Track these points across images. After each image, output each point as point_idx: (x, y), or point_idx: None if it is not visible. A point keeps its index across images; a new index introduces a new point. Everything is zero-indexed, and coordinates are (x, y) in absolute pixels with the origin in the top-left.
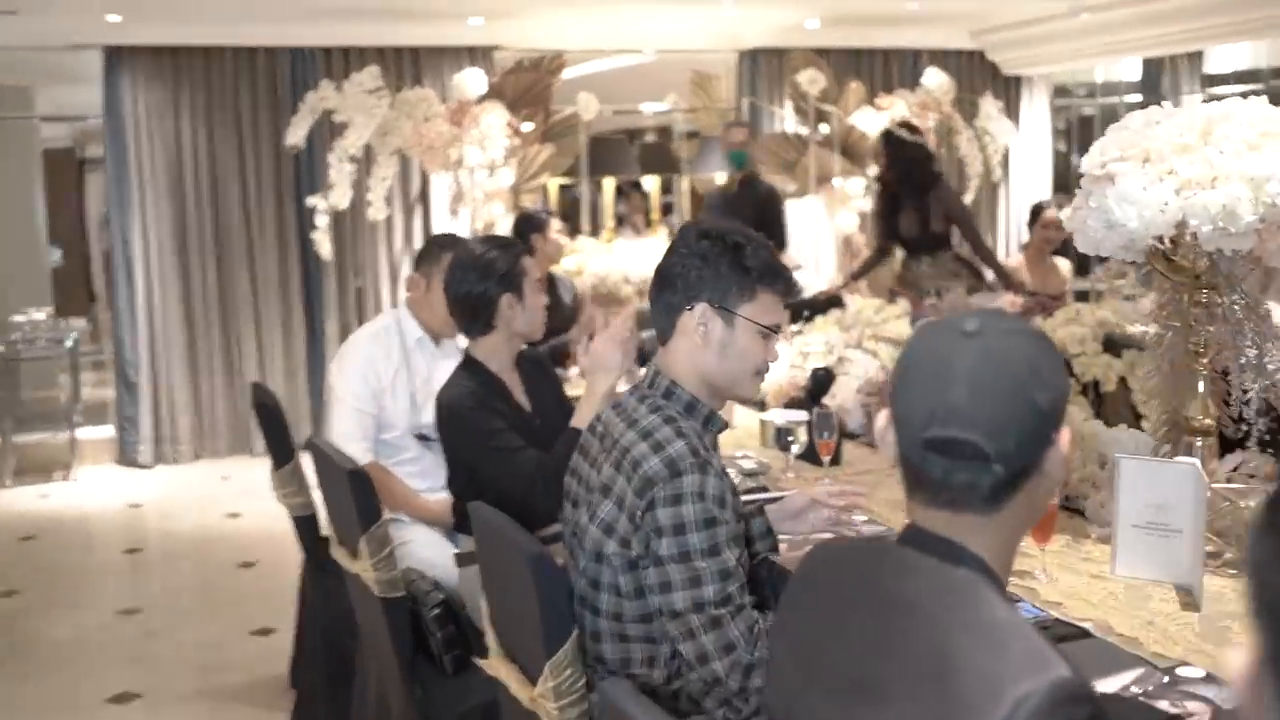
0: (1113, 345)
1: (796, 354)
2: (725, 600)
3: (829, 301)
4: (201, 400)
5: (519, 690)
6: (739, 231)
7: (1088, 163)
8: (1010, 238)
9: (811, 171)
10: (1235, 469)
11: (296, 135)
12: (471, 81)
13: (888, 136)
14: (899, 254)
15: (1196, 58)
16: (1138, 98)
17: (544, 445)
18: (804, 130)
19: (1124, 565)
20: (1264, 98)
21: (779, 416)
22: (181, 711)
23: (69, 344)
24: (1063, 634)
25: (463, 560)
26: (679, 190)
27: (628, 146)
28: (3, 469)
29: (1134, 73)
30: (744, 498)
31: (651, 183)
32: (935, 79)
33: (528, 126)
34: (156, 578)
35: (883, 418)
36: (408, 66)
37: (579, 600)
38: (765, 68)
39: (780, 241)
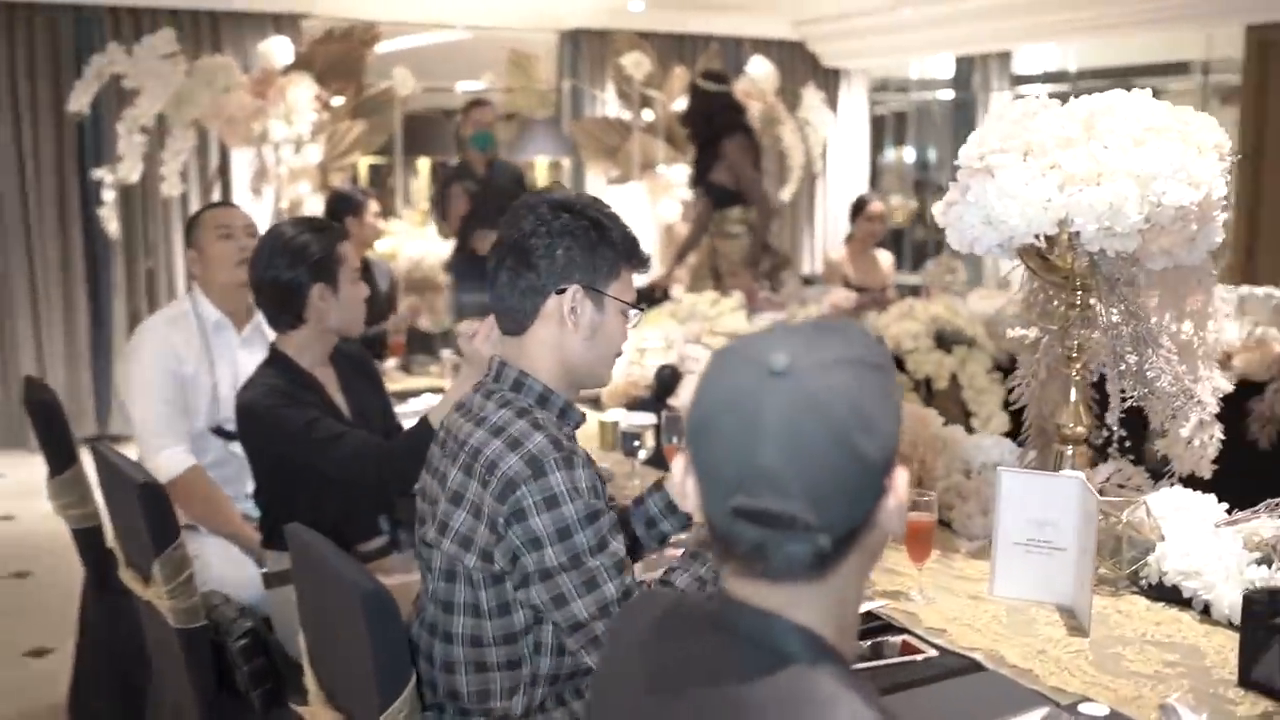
0: (943, 341)
1: (634, 350)
2: (626, 594)
3: (652, 292)
4: None
5: None
6: (595, 203)
7: (965, 154)
8: (829, 231)
9: (636, 158)
10: (1108, 479)
11: (80, 101)
12: (278, 50)
13: (693, 88)
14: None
15: (1006, 57)
16: (950, 94)
17: None
18: (626, 115)
19: (1004, 585)
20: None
21: (622, 418)
22: None
23: None
24: (954, 666)
25: (271, 581)
26: None
27: (445, 125)
28: None
29: (946, 70)
30: None
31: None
32: (761, 68)
33: (338, 101)
34: None
35: (678, 467)
36: (206, 31)
37: (428, 629)
38: (587, 49)
39: None
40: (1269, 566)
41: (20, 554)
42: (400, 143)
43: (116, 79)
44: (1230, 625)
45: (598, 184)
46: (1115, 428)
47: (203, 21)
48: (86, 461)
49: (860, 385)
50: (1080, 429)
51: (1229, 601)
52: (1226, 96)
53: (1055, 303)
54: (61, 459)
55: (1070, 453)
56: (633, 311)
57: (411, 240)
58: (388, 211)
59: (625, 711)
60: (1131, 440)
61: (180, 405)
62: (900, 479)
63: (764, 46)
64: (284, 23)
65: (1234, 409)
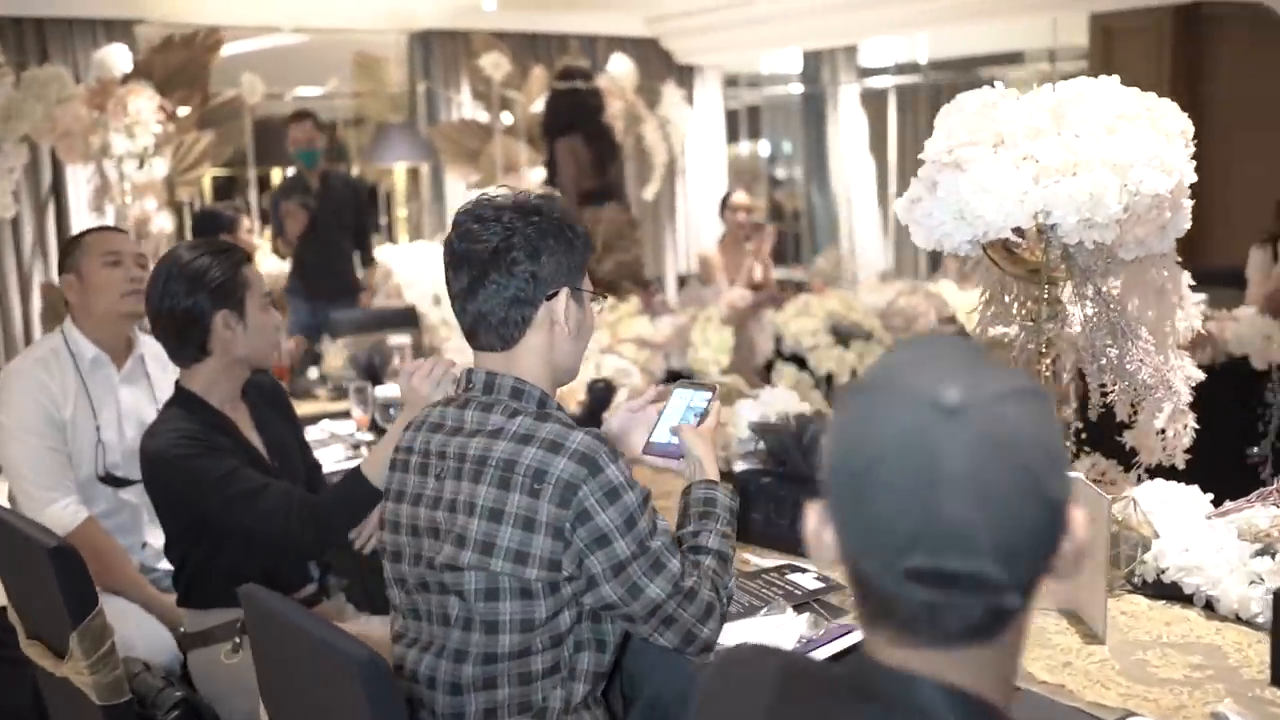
0: (840, 336)
1: None
2: (684, 567)
3: None
4: None
5: None
6: (548, 200)
7: (931, 149)
8: (691, 228)
9: (499, 161)
10: (1083, 475)
11: None
12: (116, 58)
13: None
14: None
15: (852, 51)
16: (799, 88)
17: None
18: (483, 117)
19: None
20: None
21: None
22: None
23: None
24: None
25: (191, 642)
26: None
27: None
28: None
29: (795, 64)
30: None
31: None
32: (621, 65)
33: (183, 111)
34: None
35: (814, 516)
36: (31, 40)
37: (451, 656)
38: (440, 50)
39: (373, 229)
40: (1272, 558)
41: None
42: (252, 153)
43: None
44: (1239, 620)
45: (458, 188)
46: (1083, 423)
47: (27, 30)
48: None
49: (1038, 419)
50: None
51: (1236, 596)
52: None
53: (1016, 297)
54: None
55: None
56: (597, 297)
57: (268, 257)
58: None
59: None
60: (1094, 434)
61: (64, 453)
62: (1078, 518)
63: (619, 44)
64: (116, 30)
65: None
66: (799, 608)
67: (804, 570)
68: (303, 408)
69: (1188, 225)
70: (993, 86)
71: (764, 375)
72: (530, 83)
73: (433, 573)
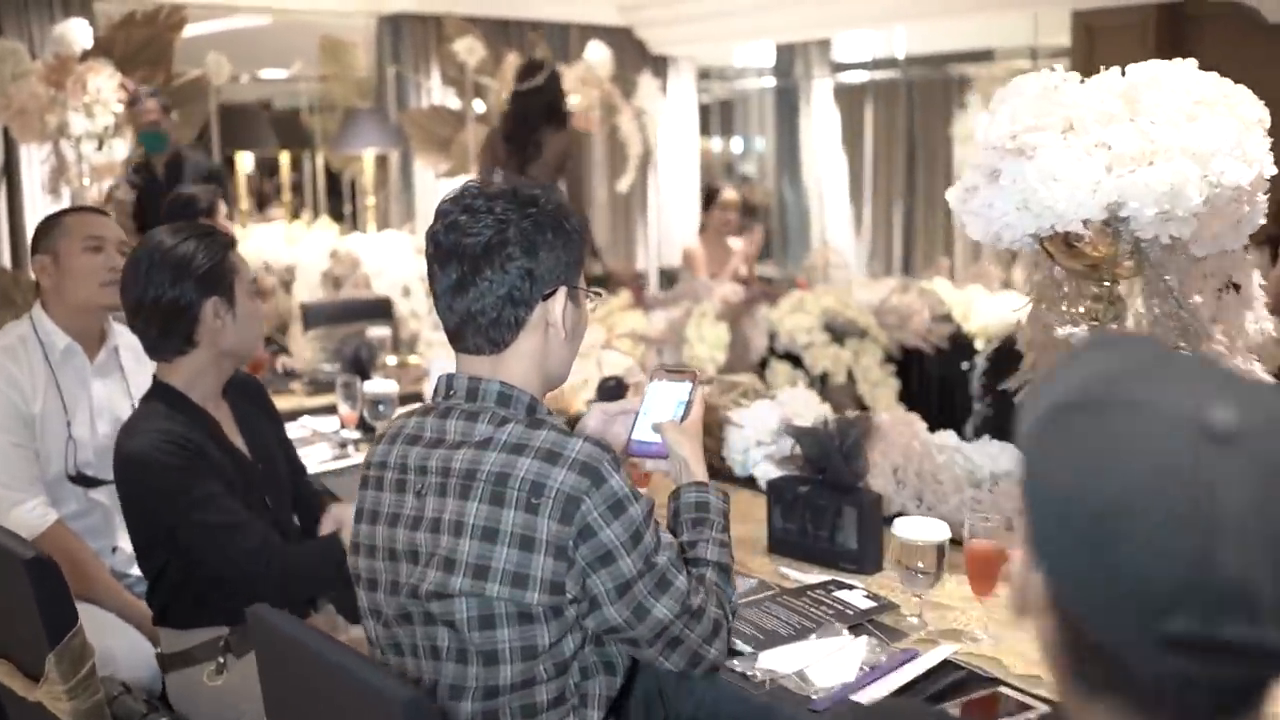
0: (835, 334)
1: None
2: (690, 583)
3: None
4: None
5: None
6: (543, 190)
7: (992, 134)
8: (663, 221)
9: (471, 149)
10: None
11: None
12: (76, 33)
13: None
14: None
15: (826, 45)
16: (772, 82)
17: (270, 495)
18: (454, 103)
19: None
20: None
21: None
22: None
23: None
24: None
25: (171, 663)
26: (314, 168)
27: (264, 117)
28: None
29: (768, 58)
30: None
31: (275, 159)
32: (598, 53)
33: (144, 91)
34: None
35: (1019, 560)
36: None
37: (447, 692)
38: (411, 35)
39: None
40: None
41: None
42: (217, 136)
43: None
44: None
45: (427, 177)
46: None
47: None
48: None
49: None
50: None
51: None
52: None
53: (1068, 294)
54: None
55: None
56: (593, 296)
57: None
58: None
59: None
60: None
61: (31, 450)
62: None
63: (592, 32)
64: (75, 4)
65: None
66: (854, 629)
67: (851, 587)
68: (279, 403)
69: (1262, 220)
70: (967, 82)
71: (758, 372)
72: (504, 69)
73: (415, 602)
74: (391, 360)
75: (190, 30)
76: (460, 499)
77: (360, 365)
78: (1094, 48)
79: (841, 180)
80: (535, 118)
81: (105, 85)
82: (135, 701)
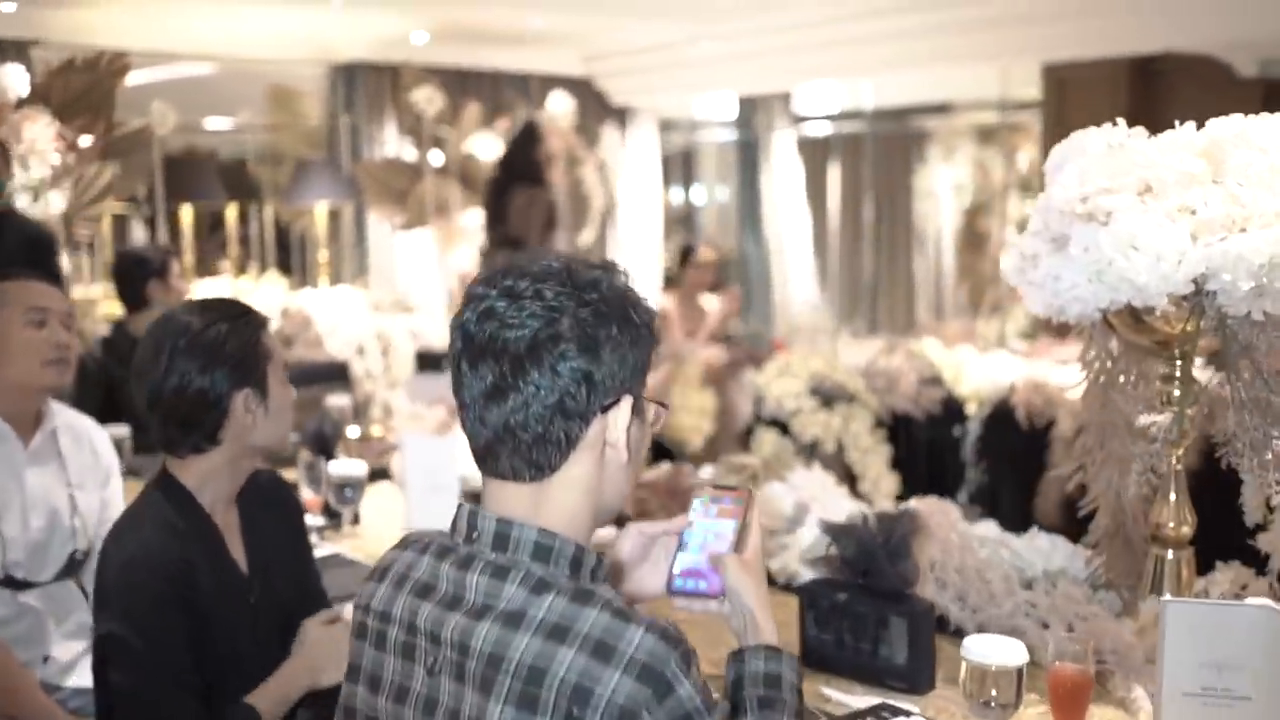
0: (823, 399)
1: None
2: None
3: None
4: None
5: None
6: (607, 266)
7: (1057, 196)
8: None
9: (430, 202)
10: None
11: None
12: (12, 80)
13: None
14: None
15: (787, 97)
16: (733, 134)
17: (264, 620)
18: (410, 155)
19: None
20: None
21: (334, 467)
22: None
23: None
24: None
25: None
26: (261, 221)
27: (210, 168)
28: None
29: (730, 109)
30: None
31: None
32: (562, 104)
33: (84, 141)
34: None
35: None
36: None
37: None
38: (365, 84)
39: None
40: None
41: None
42: (162, 188)
43: None
44: None
45: (382, 230)
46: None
47: None
48: None
49: None
50: (1186, 529)
51: None
52: (985, 135)
53: (1129, 371)
54: None
55: (1173, 557)
56: (658, 409)
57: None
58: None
59: None
60: (1215, 535)
61: None
62: None
63: (553, 83)
64: (10, 50)
65: None
66: None
67: (908, 713)
68: None
69: None
70: (927, 136)
71: (743, 441)
72: (463, 120)
73: None
74: (353, 432)
75: (132, 78)
76: (481, 693)
77: (323, 441)
78: (1065, 100)
79: (805, 233)
80: (510, 174)
81: (42, 134)
82: None
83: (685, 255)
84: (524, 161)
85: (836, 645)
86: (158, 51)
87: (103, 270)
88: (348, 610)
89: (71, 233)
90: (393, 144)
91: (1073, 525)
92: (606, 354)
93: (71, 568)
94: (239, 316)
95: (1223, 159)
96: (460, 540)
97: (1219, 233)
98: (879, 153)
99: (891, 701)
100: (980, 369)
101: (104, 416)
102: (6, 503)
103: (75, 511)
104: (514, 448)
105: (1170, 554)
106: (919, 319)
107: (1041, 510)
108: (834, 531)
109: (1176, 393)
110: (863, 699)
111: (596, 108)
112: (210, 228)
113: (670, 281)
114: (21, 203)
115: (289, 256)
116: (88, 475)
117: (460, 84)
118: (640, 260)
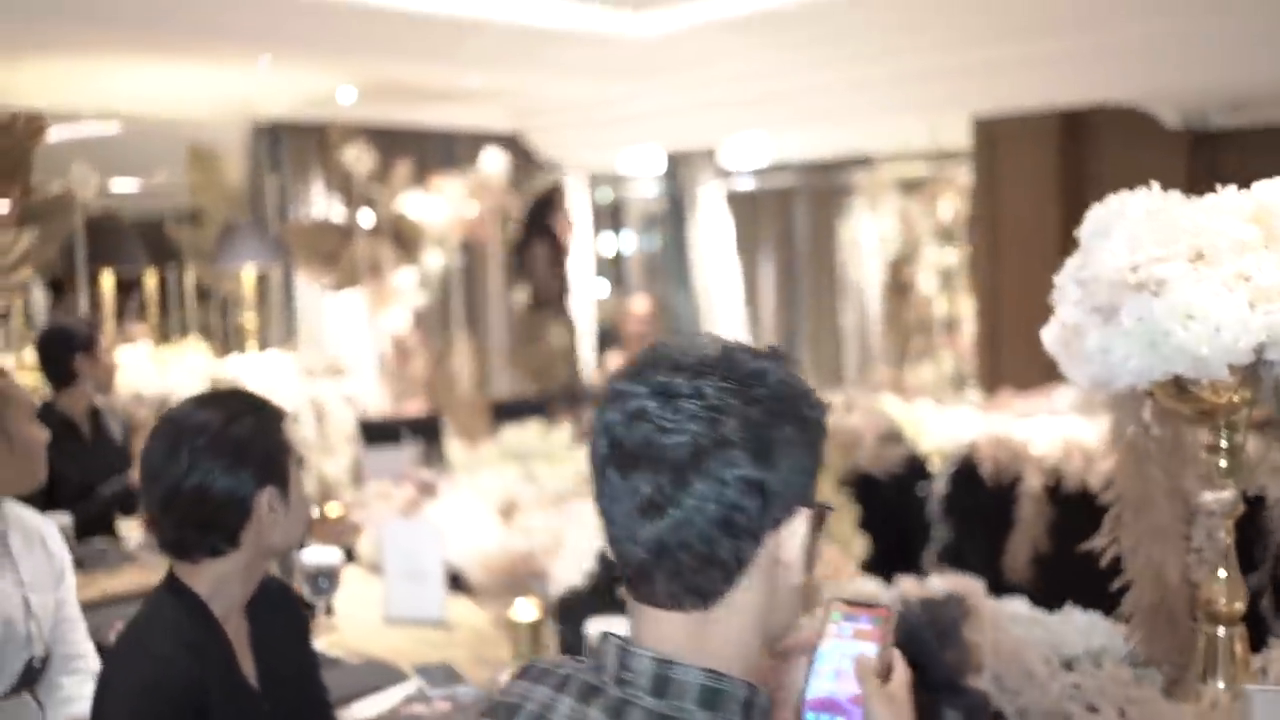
0: None
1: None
2: None
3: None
4: None
5: None
6: (750, 350)
7: (1109, 266)
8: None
9: (363, 262)
10: None
11: None
12: None
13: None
14: None
15: (712, 152)
16: (660, 187)
17: None
18: (336, 214)
19: None
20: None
21: (308, 556)
22: None
23: None
24: None
25: None
26: (182, 284)
27: (131, 231)
28: None
29: (658, 164)
30: None
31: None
32: (494, 162)
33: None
34: None
35: None
36: None
37: None
38: (290, 143)
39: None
40: None
41: None
42: (84, 253)
43: None
44: None
45: (310, 292)
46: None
47: None
48: None
49: None
50: (1239, 604)
51: None
52: (910, 187)
53: (1166, 441)
54: None
55: (1226, 634)
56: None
57: None
58: None
59: None
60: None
61: None
62: None
63: (482, 140)
64: None
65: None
66: None
67: None
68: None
69: None
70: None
71: None
72: (394, 178)
73: None
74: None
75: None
76: None
77: None
78: (996, 152)
79: (734, 285)
80: (533, 230)
81: None
82: None
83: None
84: (543, 220)
85: None
86: (70, 112)
87: (16, 339)
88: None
89: None
90: (320, 203)
91: (1042, 584)
92: (781, 459)
93: (28, 677)
94: (260, 409)
95: (1273, 224)
96: (609, 680)
97: (1276, 300)
98: (806, 205)
99: None
100: (941, 424)
101: (42, 503)
102: None
103: (30, 615)
104: (674, 571)
105: (1222, 631)
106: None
107: (1011, 568)
108: None
109: (1223, 463)
110: None
111: (525, 163)
112: (126, 291)
113: (606, 337)
114: None
115: (209, 318)
116: (42, 576)
117: (388, 141)
118: (575, 315)
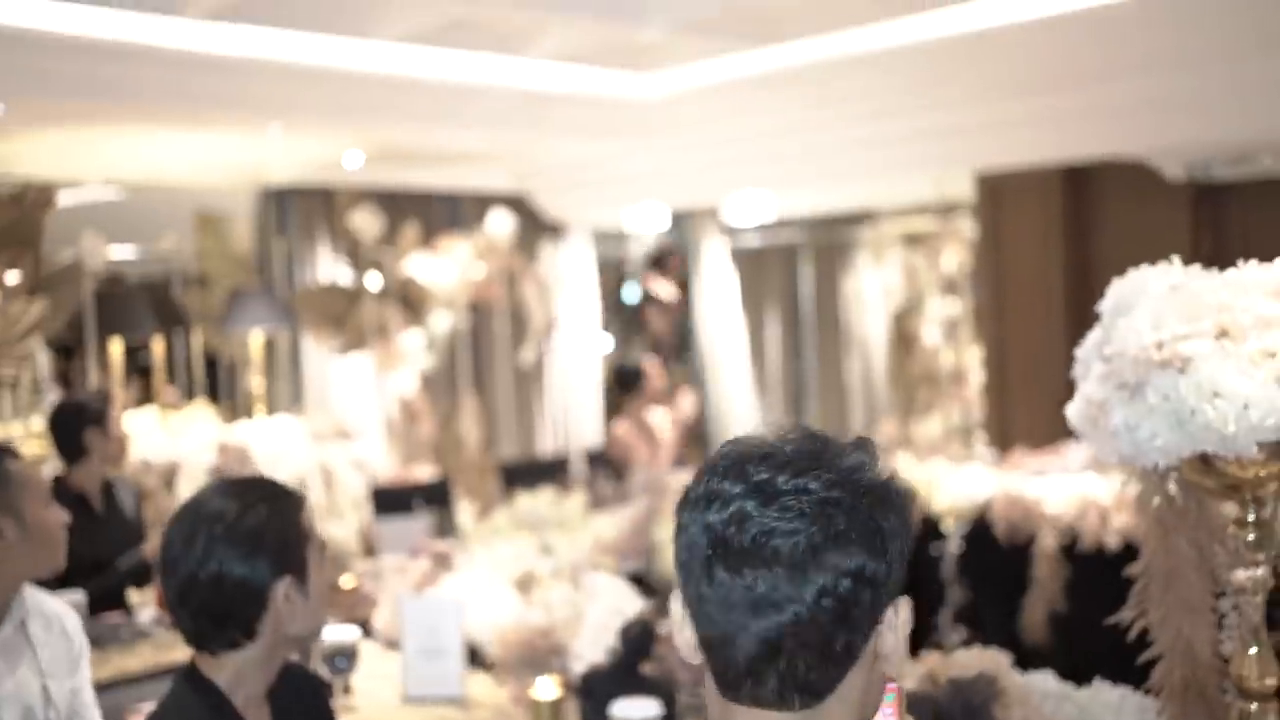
0: None
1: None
2: None
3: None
4: None
5: None
6: (853, 445)
7: (1133, 343)
8: (567, 391)
9: (371, 325)
10: None
11: None
12: None
13: None
14: None
15: (716, 210)
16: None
17: None
18: (345, 278)
19: None
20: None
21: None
22: None
23: None
24: None
25: None
26: (189, 349)
27: (140, 298)
28: None
29: (662, 221)
30: None
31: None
32: (501, 224)
33: (11, 277)
34: None
35: None
36: None
37: None
38: (298, 208)
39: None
40: None
41: None
42: (94, 322)
43: None
44: None
45: (318, 356)
46: None
47: None
48: None
49: None
50: (1271, 680)
51: None
52: (914, 240)
53: (1190, 516)
54: None
55: (1258, 709)
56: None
57: None
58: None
59: None
60: None
61: None
62: None
63: (487, 201)
64: None
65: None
66: None
67: None
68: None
69: None
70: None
71: None
72: (401, 241)
73: None
74: None
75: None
76: None
77: None
78: (999, 207)
79: (740, 341)
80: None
81: None
82: None
83: (621, 378)
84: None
85: None
86: (78, 178)
87: (25, 407)
88: None
89: None
90: (327, 266)
91: (1059, 644)
92: (890, 548)
93: None
94: (279, 498)
95: None
96: None
97: None
98: (811, 260)
99: None
100: (954, 483)
101: (54, 580)
102: None
103: (49, 703)
104: (787, 668)
105: (1255, 707)
106: (853, 423)
107: (1027, 629)
108: (911, 701)
109: (1251, 537)
110: None
111: (529, 224)
112: (134, 359)
113: (615, 403)
114: None
115: (216, 385)
116: (60, 663)
117: (394, 204)
118: (581, 376)
